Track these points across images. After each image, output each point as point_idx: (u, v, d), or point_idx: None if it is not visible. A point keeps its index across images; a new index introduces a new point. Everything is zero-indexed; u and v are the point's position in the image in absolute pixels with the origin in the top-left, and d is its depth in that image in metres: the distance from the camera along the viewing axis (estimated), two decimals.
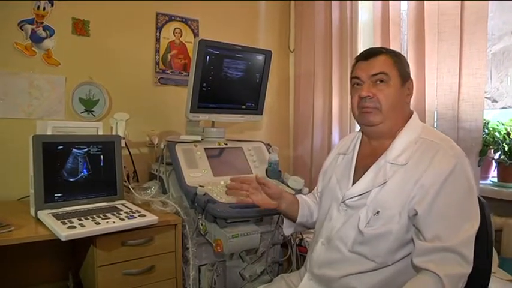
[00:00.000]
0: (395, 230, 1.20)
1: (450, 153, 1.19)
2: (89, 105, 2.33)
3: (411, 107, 1.40)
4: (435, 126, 2.09)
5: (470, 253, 1.13)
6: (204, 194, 1.83)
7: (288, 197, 1.56)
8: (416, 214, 1.17)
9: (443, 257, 1.11)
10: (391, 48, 2.24)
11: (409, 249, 1.22)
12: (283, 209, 1.55)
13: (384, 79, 1.30)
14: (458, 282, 1.11)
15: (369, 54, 1.35)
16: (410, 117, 1.35)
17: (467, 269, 1.12)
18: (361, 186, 1.31)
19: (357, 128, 1.49)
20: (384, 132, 1.34)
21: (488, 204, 1.29)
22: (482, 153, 1.98)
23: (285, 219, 1.63)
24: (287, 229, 1.65)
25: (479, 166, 2.00)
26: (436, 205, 1.15)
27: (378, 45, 2.39)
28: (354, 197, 1.31)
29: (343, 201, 1.34)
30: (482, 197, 1.30)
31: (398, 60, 1.33)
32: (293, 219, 1.59)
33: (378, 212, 1.24)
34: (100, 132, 1.98)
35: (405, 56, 2.24)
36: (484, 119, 1.99)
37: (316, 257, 1.38)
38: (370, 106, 1.31)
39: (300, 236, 2.25)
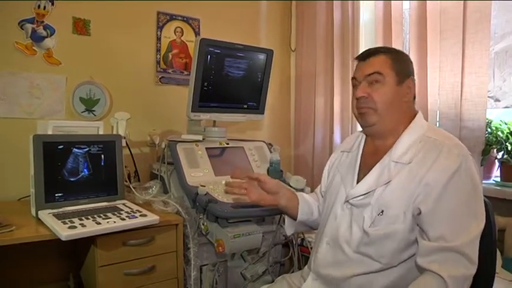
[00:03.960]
0: (400, 230, 1.19)
1: (455, 152, 1.18)
2: (89, 104, 2.32)
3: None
4: (437, 125, 2.09)
5: (474, 254, 1.11)
6: (206, 194, 1.82)
7: (286, 192, 1.55)
8: (420, 213, 1.16)
9: (447, 257, 1.10)
10: (394, 47, 2.25)
11: (415, 249, 1.20)
12: (283, 205, 1.52)
13: (379, 79, 1.29)
14: (463, 283, 1.09)
15: (367, 54, 1.35)
16: (415, 117, 1.34)
17: (472, 270, 1.10)
18: (365, 185, 1.29)
19: (359, 127, 1.48)
20: (380, 132, 1.33)
21: (491, 204, 1.28)
22: (485, 152, 1.97)
23: (286, 218, 1.62)
24: (288, 228, 1.62)
25: (482, 166, 2.00)
26: (440, 204, 1.14)
27: (380, 44, 2.38)
28: (358, 196, 1.30)
29: (347, 200, 1.33)
30: (485, 196, 1.29)
31: (396, 58, 1.32)
32: (294, 217, 1.57)
33: (382, 212, 1.22)
34: (101, 132, 1.98)
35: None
36: (487, 119, 1.98)
37: (322, 257, 1.36)
38: (365, 106, 1.31)
39: (301, 235, 2.25)
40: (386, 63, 1.30)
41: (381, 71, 1.29)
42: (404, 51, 2.29)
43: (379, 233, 1.21)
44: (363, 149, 1.43)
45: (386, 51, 1.34)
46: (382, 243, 1.21)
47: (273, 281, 1.72)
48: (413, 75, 1.35)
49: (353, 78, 1.37)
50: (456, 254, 1.10)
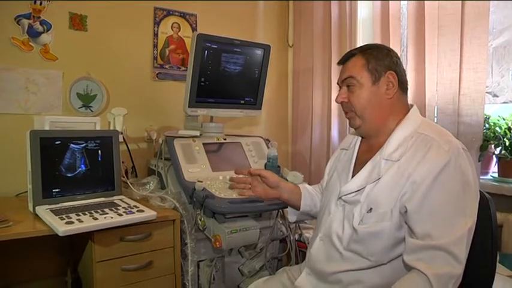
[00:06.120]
0: (388, 227, 1.19)
1: (445, 148, 1.16)
2: (86, 100, 2.32)
3: (411, 102, 1.38)
4: (435, 120, 2.08)
5: (461, 252, 1.09)
6: (203, 189, 1.82)
7: (287, 186, 1.61)
8: (406, 211, 1.15)
9: (433, 255, 1.09)
10: (390, 43, 2.26)
11: (404, 247, 1.20)
12: (285, 198, 1.59)
13: (352, 83, 1.33)
14: (447, 282, 1.07)
15: (343, 58, 1.40)
16: (409, 111, 1.33)
17: (458, 269, 1.08)
18: (356, 182, 1.30)
19: None
20: (367, 133, 1.37)
21: (493, 201, 1.27)
22: (483, 148, 1.97)
23: (289, 206, 1.66)
24: (291, 216, 1.68)
25: (479, 161, 1.99)
26: (426, 202, 1.13)
27: (378, 40, 2.37)
28: (350, 193, 1.30)
29: (340, 197, 1.34)
30: (483, 192, 1.28)
31: (369, 57, 1.32)
32: (297, 208, 1.62)
33: (370, 209, 1.23)
34: (98, 127, 1.98)
35: (405, 50, 2.25)
36: (485, 114, 1.97)
37: (315, 253, 1.38)
38: (347, 111, 1.38)
39: (299, 231, 2.25)
40: (358, 65, 1.32)
41: (352, 74, 1.32)
42: (402, 47, 2.30)
43: (367, 230, 1.22)
44: (358, 147, 1.45)
45: (361, 51, 1.35)
46: (370, 240, 1.22)
47: None
48: (395, 68, 1.32)
49: (337, 82, 1.42)
50: (442, 253, 1.08)
